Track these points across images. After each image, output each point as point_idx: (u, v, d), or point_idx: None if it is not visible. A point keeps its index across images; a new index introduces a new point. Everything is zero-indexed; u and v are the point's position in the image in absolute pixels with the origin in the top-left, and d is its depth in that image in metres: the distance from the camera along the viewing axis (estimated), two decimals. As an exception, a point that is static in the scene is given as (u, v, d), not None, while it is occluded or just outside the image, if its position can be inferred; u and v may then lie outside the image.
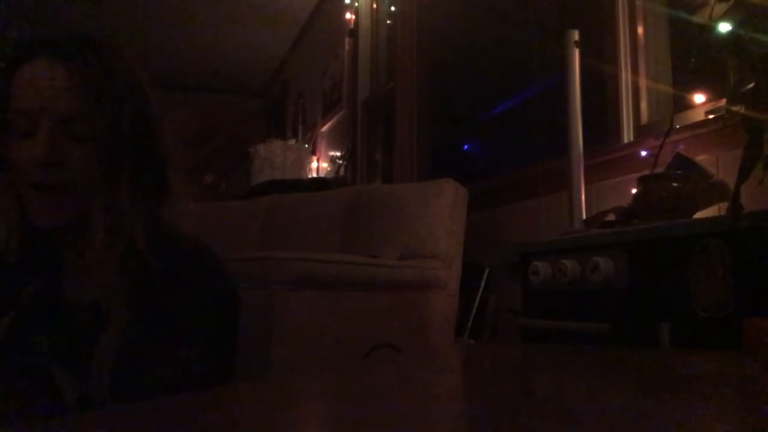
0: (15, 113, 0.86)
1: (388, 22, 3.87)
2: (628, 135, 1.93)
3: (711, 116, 1.61)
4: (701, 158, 1.49)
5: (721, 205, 1.35)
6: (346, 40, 4.20)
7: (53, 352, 0.85)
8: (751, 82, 1.03)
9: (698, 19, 1.21)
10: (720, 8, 1.14)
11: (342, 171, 4.12)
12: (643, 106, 1.92)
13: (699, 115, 1.68)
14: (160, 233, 0.92)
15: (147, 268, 0.86)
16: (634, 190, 1.47)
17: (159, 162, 0.94)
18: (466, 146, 3.24)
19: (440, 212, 1.93)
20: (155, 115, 0.94)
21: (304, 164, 4.27)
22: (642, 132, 1.90)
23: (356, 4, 4.13)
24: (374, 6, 4.05)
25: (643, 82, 1.92)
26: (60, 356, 0.85)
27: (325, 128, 4.72)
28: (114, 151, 0.87)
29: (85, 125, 0.86)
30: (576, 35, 1.72)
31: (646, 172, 1.53)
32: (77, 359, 0.85)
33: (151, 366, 0.85)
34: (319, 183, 3.41)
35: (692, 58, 1.58)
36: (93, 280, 0.87)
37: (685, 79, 1.64)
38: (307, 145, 4.66)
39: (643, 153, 1.72)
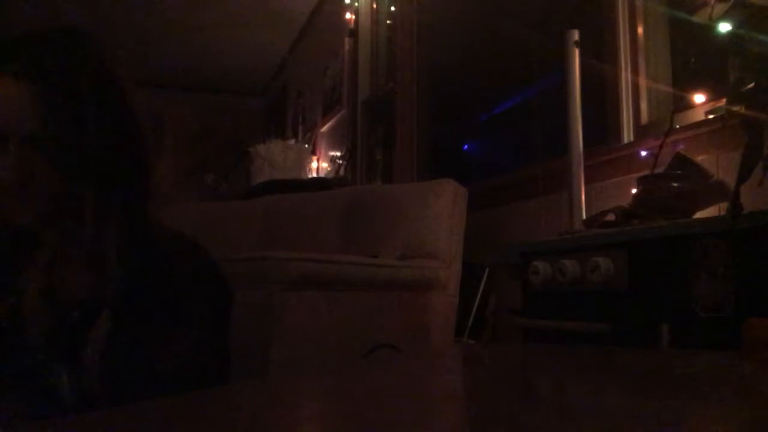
0: None
1: (388, 22, 3.87)
2: (628, 135, 1.93)
3: (711, 116, 1.61)
4: (701, 158, 1.49)
5: (721, 205, 1.35)
6: (346, 40, 4.20)
7: (48, 350, 0.85)
8: (751, 82, 1.03)
9: (698, 19, 1.21)
10: (720, 8, 1.14)
11: (342, 171, 4.12)
12: (643, 106, 1.92)
13: (699, 115, 1.68)
14: (147, 231, 0.91)
15: (138, 265, 0.86)
16: (634, 190, 1.47)
17: (139, 160, 0.93)
18: (466, 146, 3.24)
19: (440, 212, 1.93)
20: (134, 113, 0.93)
21: (304, 164, 4.27)
22: (642, 132, 1.90)
23: (356, 4, 4.13)
24: (374, 6, 4.05)
25: (643, 82, 1.92)
26: (55, 354, 0.85)
27: (325, 128, 4.72)
28: (83, 160, 0.87)
29: (52, 140, 0.85)
30: (576, 35, 1.72)
31: (646, 172, 1.53)
32: (73, 356, 0.85)
33: (144, 362, 0.85)
34: (319, 183, 3.41)
35: (692, 58, 1.58)
36: (83, 278, 0.87)
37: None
38: (307, 145, 4.66)
39: (643, 153, 1.72)
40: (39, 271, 0.88)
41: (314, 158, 4.71)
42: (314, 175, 4.55)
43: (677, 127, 1.58)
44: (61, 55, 0.89)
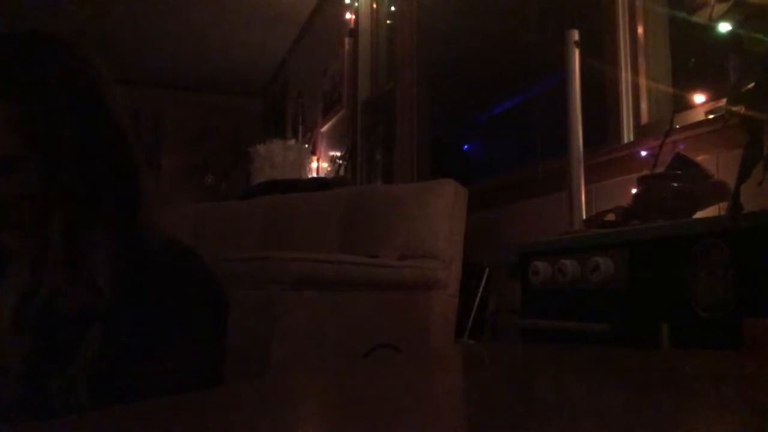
0: None
1: (388, 22, 3.87)
2: (628, 135, 1.93)
3: (711, 116, 1.61)
4: (701, 158, 1.49)
5: (721, 205, 1.35)
6: (346, 40, 4.20)
7: (39, 358, 0.84)
8: (751, 82, 1.03)
9: (698, 19, 1.21)
10: (720, 8, 1.14)
11: (342, 171, 4.12)
12: (643, 106, 1.92)
13: (699, 115, 1.68)
14: (139, 240, 0.88)
15: (130, 275, 0.84)
16: (634, 190, 1.47)
17: (124, 168, 0.88)
18: (466, 146, 3.24)
19: (440, 212, 1.93)
20: (114, 116, 0.88)
21: (304, 164, 4.28)
22: (642, 132, 1.90)
23: (356, 4, 4.13)
24: (374, 6, 4.05)
25: (643, 82, 1.92)
26: (45, 362, 0.84)
27: (325, 128, 4.72)
28: (63, 177, 0.82)
29: (26, 162, 0.80)
30: (576, 35, 1.72)
31: (646, 172, 1.53)
32: (63, 364, 0.84)
33: (134, 376, 0.83)
34: (319, 183, 3.41)
35: (692, 58, 1.58)
36: (75, 287, 0.85)
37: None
38: (307, 145, 4.66)
39: (643, 153, 1.72)
40: (14, 287, 0.83)
41: (314, 158, 4.71)
42: (314, 175, 4.55)
43: (677, 127, 1.58)
44: (34, 65, 0.83)
